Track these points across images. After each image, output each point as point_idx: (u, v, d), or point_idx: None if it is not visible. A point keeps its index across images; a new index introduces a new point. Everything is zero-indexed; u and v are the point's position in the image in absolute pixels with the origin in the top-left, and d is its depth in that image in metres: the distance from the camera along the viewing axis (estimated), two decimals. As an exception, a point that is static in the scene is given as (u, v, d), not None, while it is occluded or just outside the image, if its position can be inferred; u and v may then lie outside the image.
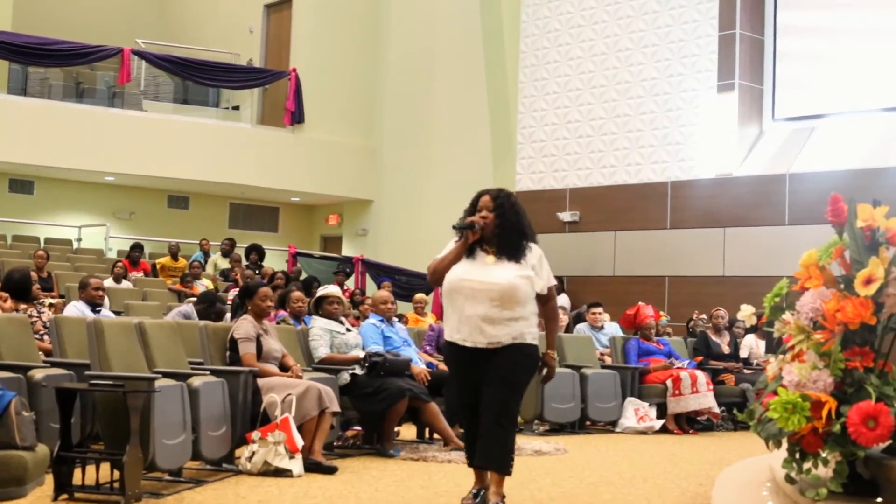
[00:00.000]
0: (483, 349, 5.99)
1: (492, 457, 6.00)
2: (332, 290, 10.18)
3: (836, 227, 4.96)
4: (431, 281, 6.28)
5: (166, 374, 7.25)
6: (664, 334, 13.95)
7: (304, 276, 18.98)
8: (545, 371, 6.27)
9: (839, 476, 4.69)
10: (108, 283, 14.92)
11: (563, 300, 17.92)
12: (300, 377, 8.57)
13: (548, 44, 20.17)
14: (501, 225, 6.03)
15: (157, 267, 18.31)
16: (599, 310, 14.13)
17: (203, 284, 16.47)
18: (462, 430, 6.59)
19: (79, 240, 21.26)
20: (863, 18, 17.09)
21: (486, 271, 6.01)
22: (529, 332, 6.01)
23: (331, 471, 8.06)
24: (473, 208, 6.12)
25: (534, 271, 6.03)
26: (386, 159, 22.85)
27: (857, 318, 4.67)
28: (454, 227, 6.07)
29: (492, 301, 5.93)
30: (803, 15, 17.90)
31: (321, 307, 9.87)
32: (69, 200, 22.09)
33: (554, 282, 6.20)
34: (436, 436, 10.12)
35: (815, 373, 4.72)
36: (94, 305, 10.40)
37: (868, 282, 4.68)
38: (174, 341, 8.02)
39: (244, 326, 8.55)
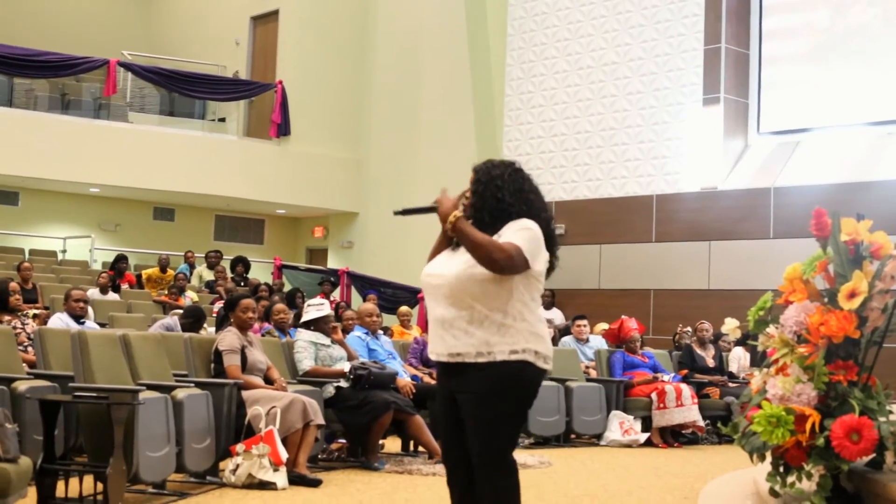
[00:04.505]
0: (447, 365, 4.52)
1: None
2: (326, 310, 10.04)
3: (820, 240, 4.97)
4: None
5: (150, 387, 7.23)
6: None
7: (287, 287, 18.95)
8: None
9: (823, 489, 4.69)
10: (95, 294, 14.88)
11: (554, 314, 17.92)
12: (285, 389, 8.56)
13: (534, 57, 20.20)
14: (474, 204, 4.61)
15: (144, 278, 18.25)
16: (584, 322, 14.12)
17: (189, 297, 16.43)
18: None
19: (64, 251, 21.20)
20: (848, 33, 17.16)
21: (447, 262, 4.57)
22: (503, 342, 4.42)
23: (315, 483, 8.05)
24: None
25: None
26: (371, 172, 22.82)
27: (840, 332, 4.67)
28: (395, 213, 4.89)
29: (446, 298, 4.48)
30: (788, 29, 17.96)
31: (316, 324, 9.83)
32: (54, 212, 22.02)
33: (516, 241, 4.44)
34: (421, 448, 10.11)
35: (798, 386, 4.72)
36: (77, 317, 10.39)
37: (852, 295, 4.69)
38: (159, 353, 8.00)
39: (228, 338, 8.54)
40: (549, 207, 4.72)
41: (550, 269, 4.68)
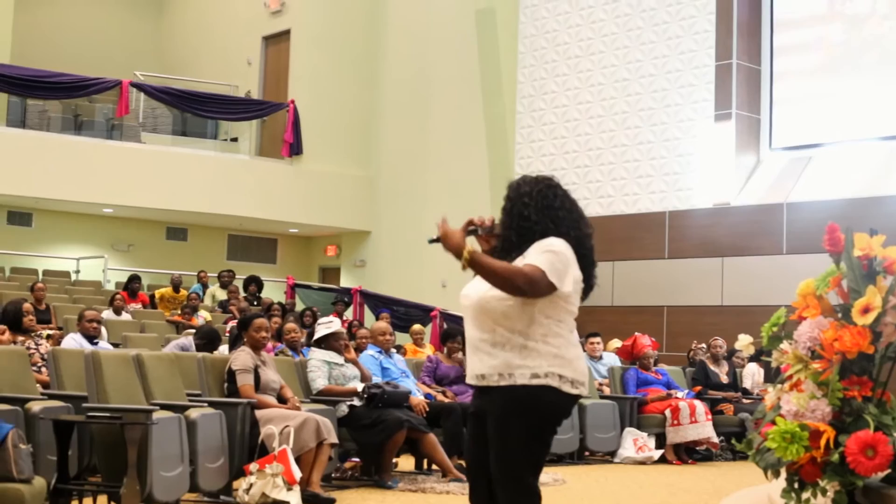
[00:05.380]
0: (477, 388, 4.45)
1: None
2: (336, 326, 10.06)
3: (833, 256, 4.94)
4: None
5: (164, 406, 7.23)
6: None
7: (300, 307, 18.96)
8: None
9: (838, 506, 4.67)
10: (108, 314, 14.90)
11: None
12: (298, 409, 8.55)
13: (545, 74, 20.22)
14: (503, 222, 4.50)
15: (157, 298, 18.28)
16: (597, 339, 14.09)
17: (202, 316, 16.44)
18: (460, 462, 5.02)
19: (77, 272, 21.24)
20: (862, 47, 17.15)
21: (477, 283, 4.43)
22: (524, 365, 4.30)
23: (329, 502, 8.04)
24: None
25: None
26: (383, 190, 22.86)
27: (854, 348, 4.65)
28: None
29: (472, 320, 4.42)
30: (800, 44, 17.95)
31: (328, 343, 9.82)
32: (67, 232, 22.09)
33: (538, 264, 4.30)
34: (434, 467, 10.09)
35: (813, 402, 4.70)
36: (91, 338, 10.40)
37: (865, 311, 4.66)
38: (172, 373, 8.01)
39: (242, 358, 8.54)
40: (587, 224, 4.55)
41: (588, 288, 4.59)
